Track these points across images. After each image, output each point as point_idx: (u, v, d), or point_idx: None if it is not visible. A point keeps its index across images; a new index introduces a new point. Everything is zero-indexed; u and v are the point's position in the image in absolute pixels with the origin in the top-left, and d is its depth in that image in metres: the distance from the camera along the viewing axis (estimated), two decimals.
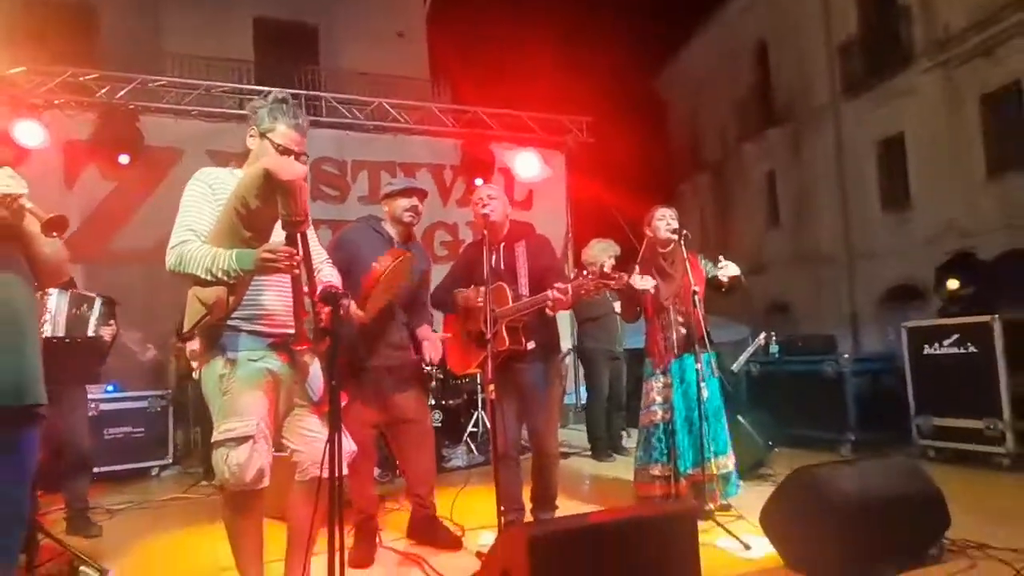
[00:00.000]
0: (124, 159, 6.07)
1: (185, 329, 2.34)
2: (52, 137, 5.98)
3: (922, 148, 12.41)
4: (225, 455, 2.28)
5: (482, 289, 3.21)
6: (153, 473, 5.96)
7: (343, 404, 2.75)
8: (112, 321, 4.14)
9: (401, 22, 13.43)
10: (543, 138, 8.04)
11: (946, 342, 4.89)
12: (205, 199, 2.35)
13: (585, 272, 3.07)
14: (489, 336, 3.01)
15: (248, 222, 2.22)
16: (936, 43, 11.79)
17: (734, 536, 3.10)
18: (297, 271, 2.18)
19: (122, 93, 6.32)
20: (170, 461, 6.12)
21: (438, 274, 3.79)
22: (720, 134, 18.57)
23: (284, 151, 2.42)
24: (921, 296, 11.67)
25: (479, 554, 3.00)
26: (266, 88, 7.27)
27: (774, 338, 6.06)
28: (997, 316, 4.63)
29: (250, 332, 2.33)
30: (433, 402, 6.02)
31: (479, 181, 7.38)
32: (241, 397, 2.29)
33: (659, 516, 2.39)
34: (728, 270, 3.79)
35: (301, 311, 2.26)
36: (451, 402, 6.34)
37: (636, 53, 19.91)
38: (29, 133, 5.83)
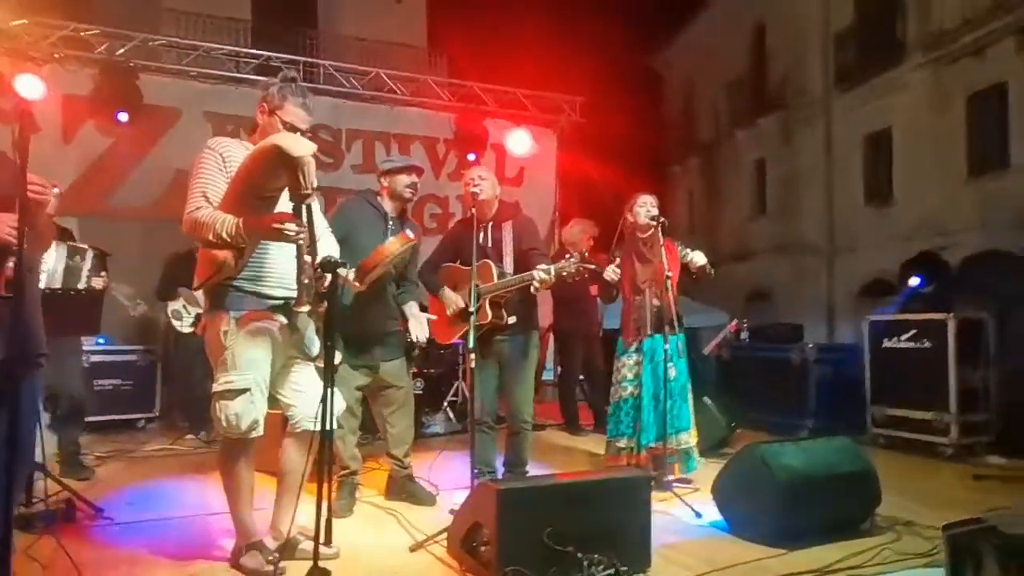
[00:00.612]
0: (123, 116, 6.14)
1: (194, 287, 2.53)
2: (51, 91, 6.03)
3: (908, 144, 12.63)
4: (224, 405, 2.49)
5: (479, 265, 3.43)
6: (139, 425, 6.16)
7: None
8: (103, 272, 4.29)
9: None
10: (536, 116, 8.17)
11: (904, 336, 5.16)
12: (217, 168, 2.52)
13: (568, 256, 3.29)
14: (472, 310, 3.23)
15: (257, 192, 2.41)
16: (929, 40, 11.95)
17: (687, 504, 3.37)
18: (302, 240, 2.37)
19: (122, 50, 6.37)
20: (156, 414, 6.33)
21: (427, 246, 3.99)
22: (714, 118, 18.67)
23: (291, 128, 2.60)
24: (895, 291, 12.02)
25: (452, 511, 3.24)
26: (265, 53, 7.38)
27: (745, 325, 6.32)
28: (952, 314, 4.90)
29: (253, 293, 2.52)
30: (415, 370, 6.25)
31: (472, 156, 7.53)
32: (242, 353, 2.49)
33: (615, 479, 2.64)
34: (696, 260, 4.01)
35: (303, 276, 2.45)
36: (432, 371, 6.57)
37: (635, 29, 19.77)
38: (29, 86, 5.88)
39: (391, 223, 3.54)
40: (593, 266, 3.31)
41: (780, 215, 16.12)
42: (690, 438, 4.02)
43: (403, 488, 3.69)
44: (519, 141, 7.74)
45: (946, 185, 11.66)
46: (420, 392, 6.22)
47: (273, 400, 2.66)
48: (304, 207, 2.38)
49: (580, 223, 5.76)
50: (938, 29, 11.73)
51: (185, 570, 2.62)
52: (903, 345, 5.18)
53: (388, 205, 3.59)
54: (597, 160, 8.76)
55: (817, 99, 14.73)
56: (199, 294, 5.56)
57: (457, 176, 7.90)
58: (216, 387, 2.52)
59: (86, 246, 4.20)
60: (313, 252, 2.45)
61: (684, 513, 3.34)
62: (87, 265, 4.09)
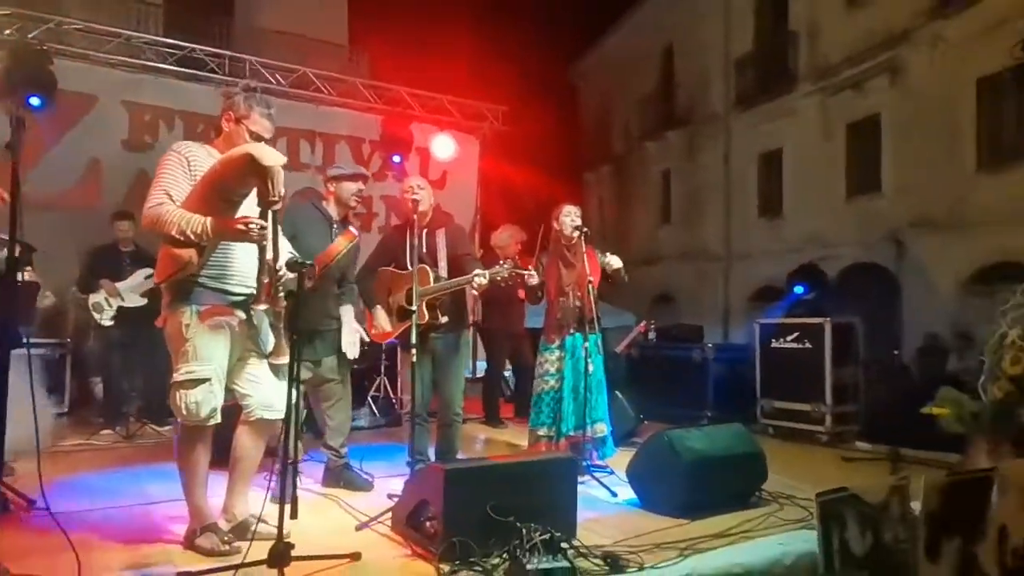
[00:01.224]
0: (35, 101, 5.92)
1: (156, 281, 2.65)
2: None
3: (796, 165, 13.82)
4: (184, 394, 2.64)
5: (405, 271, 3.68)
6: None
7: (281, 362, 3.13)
8: (29, 267, 4.21)
9: None
10: (460, 122, 8.44)
11: (788, 338, 5.83)
12: (181, 169, 2.66)
13: (502, 261, 3.60)
14: (414, 309, 3.49)
15: (224, 195, 2.57)
16: (816, 71, 13.14)
17: (604, 486, 3.76)
18: (265, 243, 2.56)
19: (35, 32, 6.14)
20: (66, 410, 6.14)
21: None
22: (625, 129, 19.57)
23: (257, 137, 2.77)
24: (782, 296, 13.12)
25: (390, 495, 3.47)
26: (188, 45, 7.25)
27: (653, 326, 6.86)
28: (828, 319, 5.59)
29: (215, 289, 2.68)
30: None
31: (397, 158, 7.71)
32: (202, 345, 2.64)
33: (549, 461, 2.98)
34: (612, 263, 4.42)
35: (263, 275, 2.63)
36: (355, 367, 6.70)
37: (554, 41, 20.45)
38: None
39: (335, 227, 3.74)
40: (525, 272, 3.65)
41: (684, 223, 17.14)
42: (605, 427, 4.42)
43: (340, 476, 3.89)
44: (443, 146, 7.99)
45: (829, 203, 12.85)
46: None
47: (228, 391, 2.81)
48: (269, 211, 2.57)
49: (508, 228, 6.09)
50: (824, 62, 12.92)
51: (138, 551, 2.73)
52: (787, 346, 5.85)
53: (333, 209, 3.77)
54: (518, 165, 9.13)
55: (719, 117, 15.80)
56: (125, 285, 5.51)
57: (381, 177, 8.06)
58: (177, 376, 2.66)
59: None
60: (275, 253, 2.64)
61: (602, 493, 3.73)
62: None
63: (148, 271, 5.39)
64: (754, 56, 14.84)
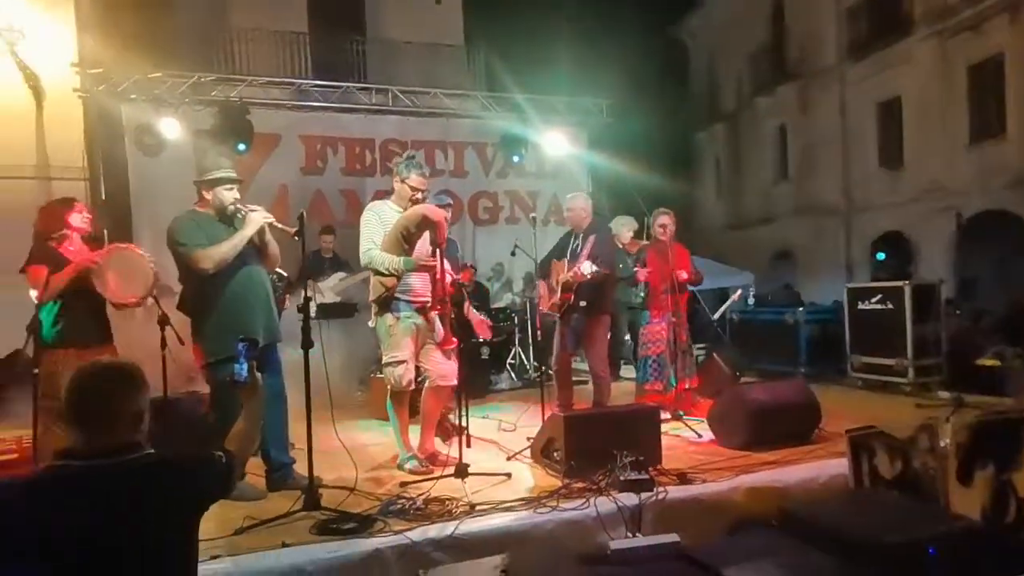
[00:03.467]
0: (241, 147, 7.64)
1: (370, 300, 4.06)
2: (183, 128, 7.59)
3: (916, 112, 13.55)
4: (391, 370, 4.04)
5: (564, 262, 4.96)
6: None
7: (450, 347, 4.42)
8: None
9: None
10: (568, 118, 9.45)
11: (873, 300, 6.49)
12: (377, 221, 4.02)
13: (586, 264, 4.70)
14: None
15: (407, 239, 3.91)
16: (932, 14, 12.78)
17: (692, 429, 4.86)
18: (435, 271, 3.88)
19: (235, 93, 7.89)
20: None
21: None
22: (737, 85, 19.56)
23: (415, 189, 4.07)
24: (907, 244, 13.04)
25: (528, 437, 4.71)
26: (345, 84, 8.79)
27: (751, 292, 7.68)
28: (908, 282, 6.21)
29: (405, 300, 4.04)
30: (481, 339, 7.76)
31: (516, 158, 8.90)
32: (400, 338, 4.02)
33: (636, 408, 4.15)
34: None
35: (436, 291, 3.96)
36: (495, 340, 8.09)
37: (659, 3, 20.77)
38: (168, 127, 7.47)
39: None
40: (600, 271, 4.73)
41: (800, 179, 17.10)
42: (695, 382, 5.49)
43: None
44: (554, 142, 9.05)
45: (950, 150, 12.59)
46: (486, 358, 7.77)
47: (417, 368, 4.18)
48: (437, 248, 3.87)
49: (622, 217, 7.11)
50: (940, 4, 12.55)
51: (372, 475, 4.18)
52: (872, 307, 6.51)
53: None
54: (625, 154, 10.01)
55: (832, 69, 15.60)
56: (325, 285, 6.96)
57: (504, 174, 9.31)
58: (385, 359, 4.07)
59: None
60: (443, 276, 3.94)
61: (690, 435, 4.83)
62: None
63: (343, 274, 6.97)
64: (867, 3, 14.51)
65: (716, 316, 7.02)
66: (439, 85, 9.70)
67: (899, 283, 6.27)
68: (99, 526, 1.53)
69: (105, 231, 7.67)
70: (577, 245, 5.15)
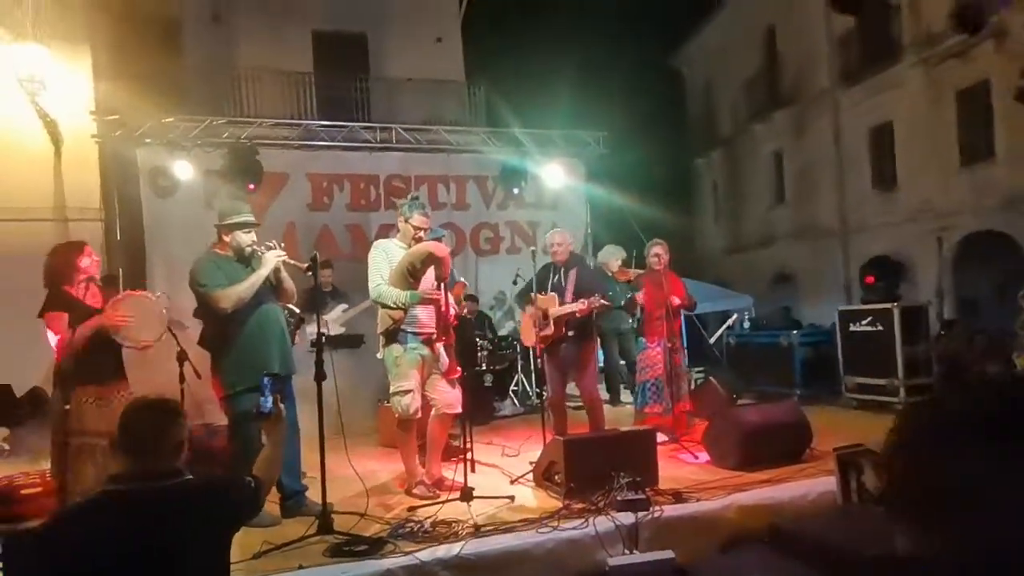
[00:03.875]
0: (252, 186, 7.95)
1: (378, 332, 4.29)
2: (195, 170, 7.91)
3: (908, 136, 13.85)
4: (398, 399, 4.25)
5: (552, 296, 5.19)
6: None
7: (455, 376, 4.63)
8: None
9: (438, 28, 15.05)
10: (565, 150, 9.76)
11: (863, 322, 6.70)
12: (384, 259, 4.27)
13: (596, 297, 4.91)
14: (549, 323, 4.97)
15: (413, 275, 4.16)
16: (920, 41, 13.14)
17: (688, 450, 5.04)
18: (441, 303, 4.12)
19: (244, 135, 8.23)
20: None
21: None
22: (732, 112, 19.95)
23: (418, 228, 4.33)
24: (901, 266, 13.26)
25: (531, 462, 4.91)
26: (351, 124, 9.14)
27: (747, 316, 7.90)
28: (896, 304, 6.42)
29: (412, 332, 4.27)
30: (484, 367, 7.98)
31: (516, 190, 9.20)
32: (407, 369, 4.24)
33: (632, 432, 4.33)
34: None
35: (440, 322, 4.19)
36: (497, 368, 8.31)
37: (656, 33, 21.34)
38: (181, 169, 7.80)
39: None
40: (599, 304, 4.92)
41: (797, 202, 17.36)
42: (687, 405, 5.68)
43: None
44: (554, 174, 9.35)
45: (942, 172, 12.86)
46: (490, 384, 7.98)
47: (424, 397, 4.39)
48: (442, 283, 4.12)
49: (611, 247, 7.34)
50: (927, 32, 12.91)
51: (381, 499, 4.38)
52: (863, 328, 6.72)
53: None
54: (622, 184, 10.30)
55: (825, 94, 15.95)
56: (327, 317, 7.24)
57: (504, 205, 9.60)
58: (393, 389, 4.28)
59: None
60: (447, 308, 4.18)
61: (687, 457, 5.01)
62: None
63: (345, 305, 7.23)
64: (857, 32, 14.90)
65: (712, 340, 7.22)
66: (441, 120, 10.06)
67: (888, 305, 6.48)
68: (148, 544, 1.75)
69: (120, 269, 7.98)
70: (559, 279, 5.30)
